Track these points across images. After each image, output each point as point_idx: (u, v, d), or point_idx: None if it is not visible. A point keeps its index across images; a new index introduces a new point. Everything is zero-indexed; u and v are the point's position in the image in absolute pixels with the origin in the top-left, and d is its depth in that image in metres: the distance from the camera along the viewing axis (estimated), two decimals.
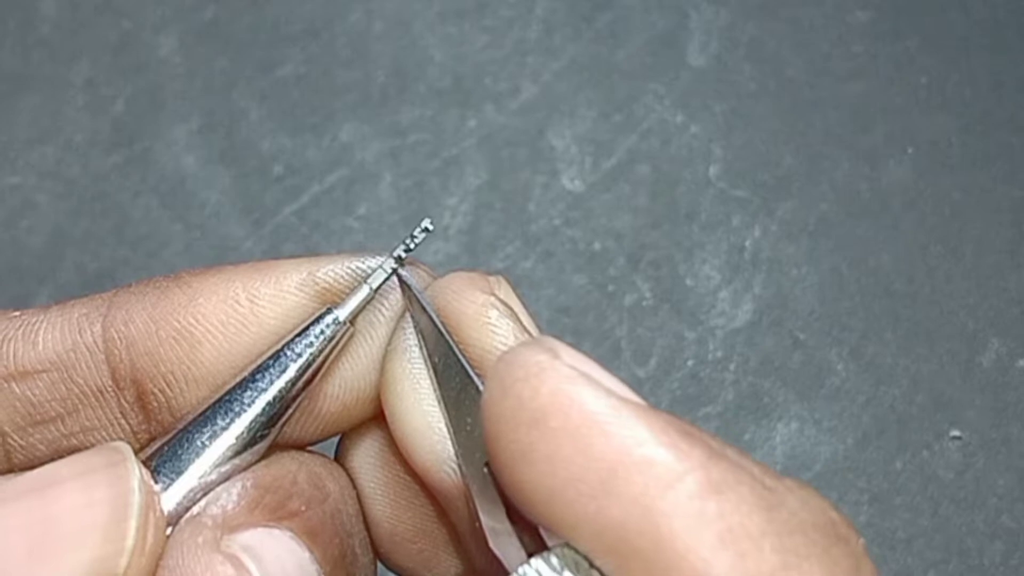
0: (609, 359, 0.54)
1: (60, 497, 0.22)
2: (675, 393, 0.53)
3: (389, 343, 0.26)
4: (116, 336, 0.26)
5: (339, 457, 0.28)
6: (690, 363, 0.54)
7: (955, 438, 0.52)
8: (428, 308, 0.25)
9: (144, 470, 0.24)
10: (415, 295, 0.26)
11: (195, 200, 0.59)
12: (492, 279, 0.26)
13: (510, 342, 0.25)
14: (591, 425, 0.20)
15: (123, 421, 0.26)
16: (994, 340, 0.55)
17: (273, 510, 0.25)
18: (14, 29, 0.64)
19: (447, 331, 0.25)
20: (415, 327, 0.26)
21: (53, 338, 0.26)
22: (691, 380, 0.54)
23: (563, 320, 0.55)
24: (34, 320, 0.26)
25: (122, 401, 0.26)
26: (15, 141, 0.61)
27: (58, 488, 0.23)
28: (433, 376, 0.25)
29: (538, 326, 0.26)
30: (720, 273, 0.56)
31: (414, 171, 0.59)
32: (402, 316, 0.26)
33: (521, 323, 0.25)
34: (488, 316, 0.25)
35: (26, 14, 0.65)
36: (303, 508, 0.25)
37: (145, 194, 0.59)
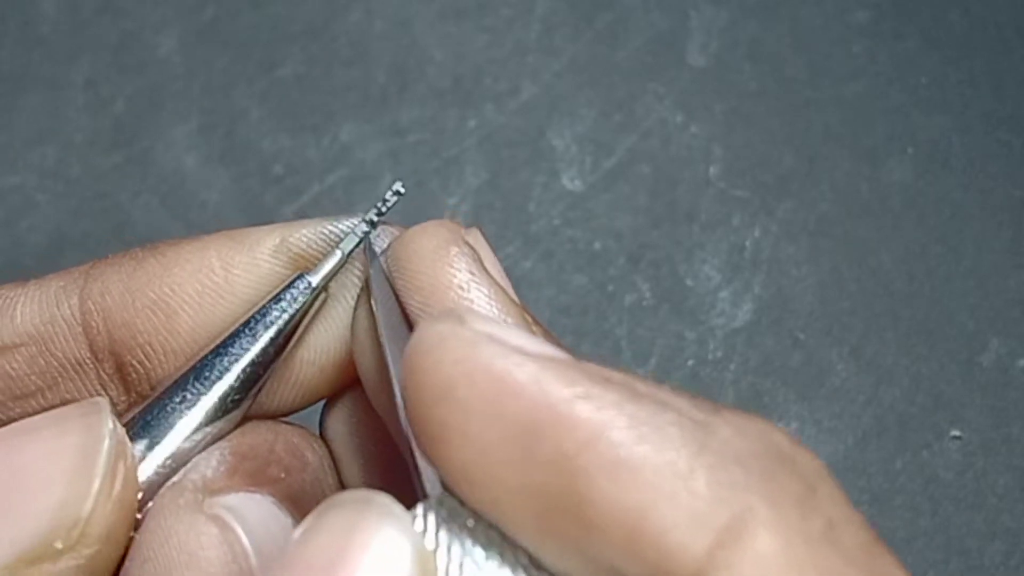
0: (609, 359, 0.54)
1: (31, 445, 0.22)
2: None
3: (356, 304, 0.26)
4: (93, 308, 0.26)
5: (321, 431, 0.28)
6: (690, 363, 0.54)
7: (955, 438, 0.52)
8: (384, 270, 0.25)
9: (118, 422, 0.24)
10: (374, 257, 0.25)
11: (195, 200, 0.59)
12: (463, 227, 0.25)
13: (464, 279, 0.24)
14: (499, 389, 0.18)
15: (103, 393, 0.26)
16: (994, 340, 0.55)
17: (252, 475, 0.25)
18: (14, 29, 0.64)
19: (394, 289, 0.24)
20: (378, 287, 0.25)
21: (31, 311, 0.26)
22: (691, 380, 0.54)
23: (563, 320, 0.55)
24: (12, 295, 0.26)
25: (101, 373, 0.26)
26: (15, 141, 0.61)
27: (30, 436, 0.23)
28: (385, 337, 0.24)
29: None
30: (720, 273, 0.56)
31: (414, 171, 0.59)
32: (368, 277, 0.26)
33: (483, 266, 0.24)
34: (448, 251, 0.24)
35: (26, 14, 0.65)
36: (282, 475, 0.25)
37: (145, 194, 0.59)
